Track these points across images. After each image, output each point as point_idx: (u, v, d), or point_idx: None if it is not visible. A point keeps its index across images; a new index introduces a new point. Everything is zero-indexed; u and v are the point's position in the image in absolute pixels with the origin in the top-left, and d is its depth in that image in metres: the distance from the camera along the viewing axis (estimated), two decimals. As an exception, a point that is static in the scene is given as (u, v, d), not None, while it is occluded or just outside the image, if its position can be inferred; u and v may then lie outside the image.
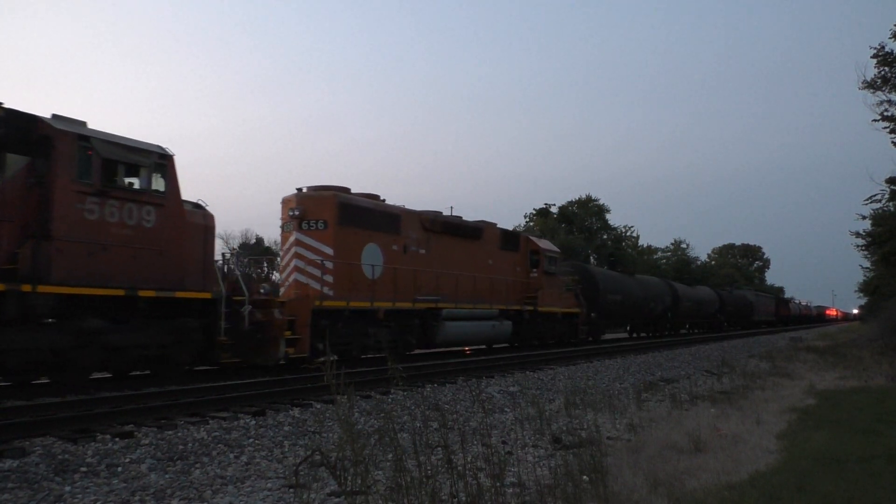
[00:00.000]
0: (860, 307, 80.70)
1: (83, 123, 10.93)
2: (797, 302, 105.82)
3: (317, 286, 15.12)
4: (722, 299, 50.41)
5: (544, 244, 25.40)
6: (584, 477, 5.12)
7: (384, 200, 18.05)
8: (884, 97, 22.96)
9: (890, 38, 22.42)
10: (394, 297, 16.77)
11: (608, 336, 37.13)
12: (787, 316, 79.90)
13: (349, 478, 3.73)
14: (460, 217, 21.11)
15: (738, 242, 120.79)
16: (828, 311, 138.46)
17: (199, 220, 12.58)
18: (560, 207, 63.40)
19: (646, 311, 35.32)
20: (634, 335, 38.28)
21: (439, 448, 4.14)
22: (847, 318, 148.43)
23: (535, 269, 23.82)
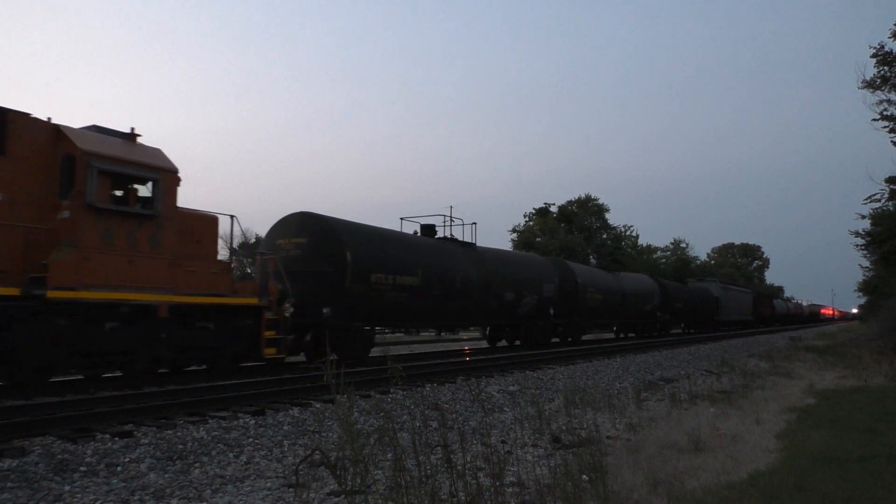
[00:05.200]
0: (859, 307, 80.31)
1: None
2: (787, 299, 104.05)
3: None
4: (665, 292, 36.95)
5: (100, 141, 11.12)
6: (584, 476, 5.12)
7: None
8: (883, 96, 23.05)
9: (890, 37, 22.48)
10: None
11: (413, 351, 23.01)
12: (770, 316, 68.15)
13: (349, 477, 3.73)
14: None
15: (737, 242, 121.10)
16: (823, 311, 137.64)
17: None
18: (560, 207, 63.44)
19: (494, 306, 21.17)
20: (504, 343, 25.12)
21: (439, 447, 4.14)
22: (845, 317, 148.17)
23: (68, 200, 10.50)
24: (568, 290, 25.91)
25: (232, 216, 13.34)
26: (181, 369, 12.58)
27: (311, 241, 15.44)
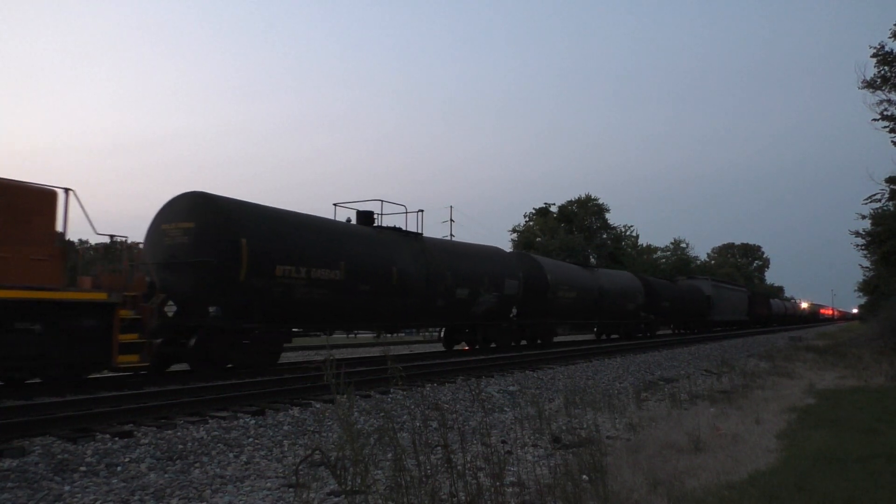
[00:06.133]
0: (860, 307, 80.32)
1: None
2: (787, 299, 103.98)
3: None
4: (651, 291, 34.34)
5: None
6: (584, 476, 5.12)
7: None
8: (883, 96, 23.02)
9: (890, 37, 22.46)
10: None
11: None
12: (767, 316, 65.61)
13: (349, 477, 3.73)
14: None
15: (737, 242, 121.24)
16: (823, 311, 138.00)
17: None
18: (560, 207, 63.52)
19: (442, 305, 18.50)
20: (464, 346, 21.96)
21: (439, 447, 4.14)
22: (845, 317, 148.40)
23: None
24: (535, 288, 23.29)
25: (67, 189, 10.46)
26: (21, 382, 10.39)
27: (200, 225, 12.80)
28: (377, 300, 16.20)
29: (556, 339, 28.45)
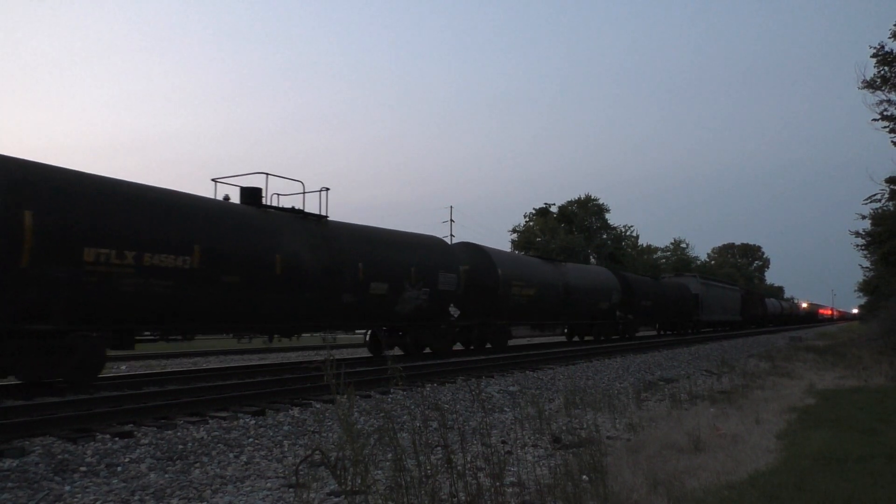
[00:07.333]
0: (860, 307, 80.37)
1: None
2: (787, 299, 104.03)
3: None
4: (629, 288, 31.00)
5: None
6: (584, 476, 5.13)
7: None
8: (883, 97, 23.02)
9: (890, 37, 22.46)
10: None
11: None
12: (762, 316, 63.40)
13: (349, 477, 3.73)
14: None
15: (737, 242, 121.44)
16: (822, 311, 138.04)
17: None
18: (560, 207, 63.55)
19: (350, 301, 15.24)
20: (398, 352, 18.39)
21: (439, 447, 4.15)
22: (845, 317, 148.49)
23: None
24: (482, 283, 19.99)
25: None
26: None
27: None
28: (251, 295, 12.94)
29: (519, 343, 26.42)
